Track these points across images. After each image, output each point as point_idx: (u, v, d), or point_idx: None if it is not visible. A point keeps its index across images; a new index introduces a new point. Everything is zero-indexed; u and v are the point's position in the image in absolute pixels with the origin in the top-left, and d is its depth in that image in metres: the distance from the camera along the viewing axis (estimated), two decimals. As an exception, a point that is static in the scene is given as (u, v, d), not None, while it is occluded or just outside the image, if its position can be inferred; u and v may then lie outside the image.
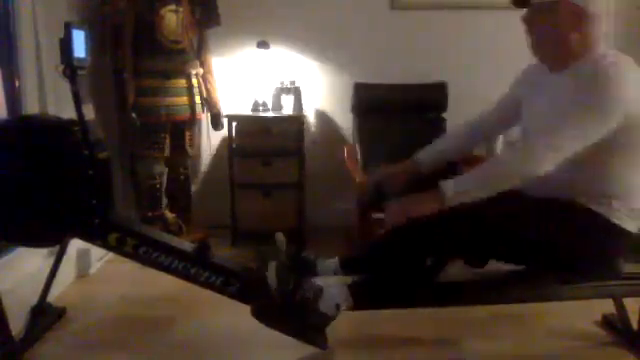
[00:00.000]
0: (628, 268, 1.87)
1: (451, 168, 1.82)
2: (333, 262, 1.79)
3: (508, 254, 1.64)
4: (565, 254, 1.58)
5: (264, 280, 1.60)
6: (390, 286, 1.63)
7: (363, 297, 1.62)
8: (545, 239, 1.55)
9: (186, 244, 1.85)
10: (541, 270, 1.70)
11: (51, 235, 1.80)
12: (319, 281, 1.64)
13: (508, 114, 1.83)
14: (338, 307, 1.59)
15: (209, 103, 2.98)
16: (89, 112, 2.64)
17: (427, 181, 1.66)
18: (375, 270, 1.67)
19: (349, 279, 1.66)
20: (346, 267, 1.77)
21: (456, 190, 1.49)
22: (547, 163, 1.46)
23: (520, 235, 1.55)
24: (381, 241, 1.73)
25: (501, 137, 2.88)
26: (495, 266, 2.20)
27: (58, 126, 1.79)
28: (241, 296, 1.75)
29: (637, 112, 1.46)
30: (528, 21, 1.58)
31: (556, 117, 1.49)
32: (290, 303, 1.59)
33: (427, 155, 1.87)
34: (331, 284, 1.63)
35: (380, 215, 2.52)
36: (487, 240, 1.57)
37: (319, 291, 1.59)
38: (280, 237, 1.74)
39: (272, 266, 1.62)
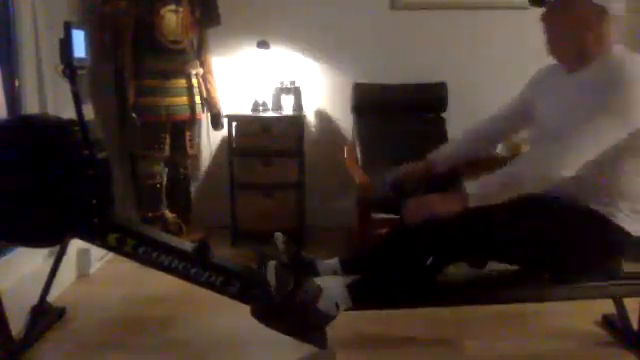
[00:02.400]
0: (628, 268, 1.88)
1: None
2: (333, 262, 1.79)
3: (510, 257, 1.64)
4: (566, 254, 1.59)
5: (263, 280, 1.60)
6: (389, 286, 1.63)
7: (362, 297, 1.62)
8: (547, 240, 1.56)
9: (186, 244, 1.84)
10: (542, 270, 1.70)
11: (51, 235, 1.80)
12: (319, 281, 1.64)
13: (521, 116, 1.83)
14: (338, 306, 1.59)
15: (209, 103, 2.98)
16: (89, 112, 2.64)
17: (438, 182, 1.67)
18: (375, 270, 1.67)
19: (349, 279, 1.66)
20: (347, 267, 1.77)
21: (480, 192, 1.49)
22: (570, 166, 1.45)
23: (522, 238, 1.55)
24: (382, 242, 1.73)
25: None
26: (495, 266, 2.19)
27: (58, 126, 1.79)
28: (241, 296, 1.75)
29: None
30: (546, 19, 1.59)
31: (578, 119, 1.47)
32: (290, 303, 1.59)
33: (440, 157, 1.88)
34: (331, 284, 1.63)
35: (380, 215, 2.52)
36: (489, 244, 1.58)
37: (319, 291, 1.59)
38: (279, 237, 1.74)
39: (271, 266, 1.62)
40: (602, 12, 1.52)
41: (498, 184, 1.52)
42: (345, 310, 1.61)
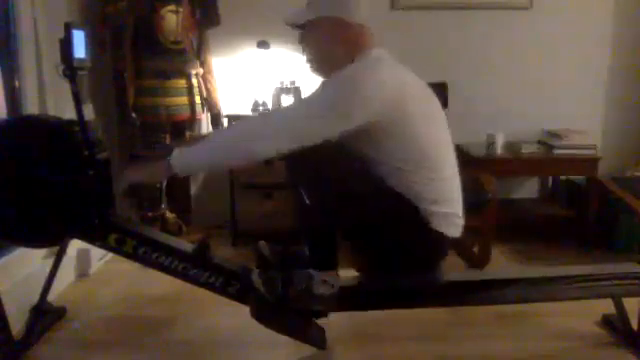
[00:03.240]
0: (627, 267, 1.88)
1: None
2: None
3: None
4: (388, 252, 1.64)
5: (254, 289, 1.62)
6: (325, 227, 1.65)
7: (322, 258, 1.64)
8: (374, 235, 1.60)
9: (186, 244, 1.84)
10: (372, 266, 1.76)
11: (51, 235, 1.80)
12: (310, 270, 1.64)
13: None
14: (326, 282, 1.59)
15: (209, 103, 2.98)
16: (89, 112, 2.64)
17: None
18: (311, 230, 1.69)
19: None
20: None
21: (182, 162, 1.52)
22: (278, 146, 1.47)
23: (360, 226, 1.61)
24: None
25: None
26: (495, 266, 2.19)
27: (58, 126, 1.79)
28: (241, 296, 1.75)
29: (394, 115, 1.51)
30: (301, 41, 1.67)
31: (296, 106, 1.55)
32: (285, 303, 1.60)
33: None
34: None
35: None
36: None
37: (309, 278, 1.60)
38: (262, 245, 1.75)
39: (255, 275, 1.64)
40: (347, 25, 1.59)
41: (202, 154, 1.54)
42: (333, 281, 1.60)
